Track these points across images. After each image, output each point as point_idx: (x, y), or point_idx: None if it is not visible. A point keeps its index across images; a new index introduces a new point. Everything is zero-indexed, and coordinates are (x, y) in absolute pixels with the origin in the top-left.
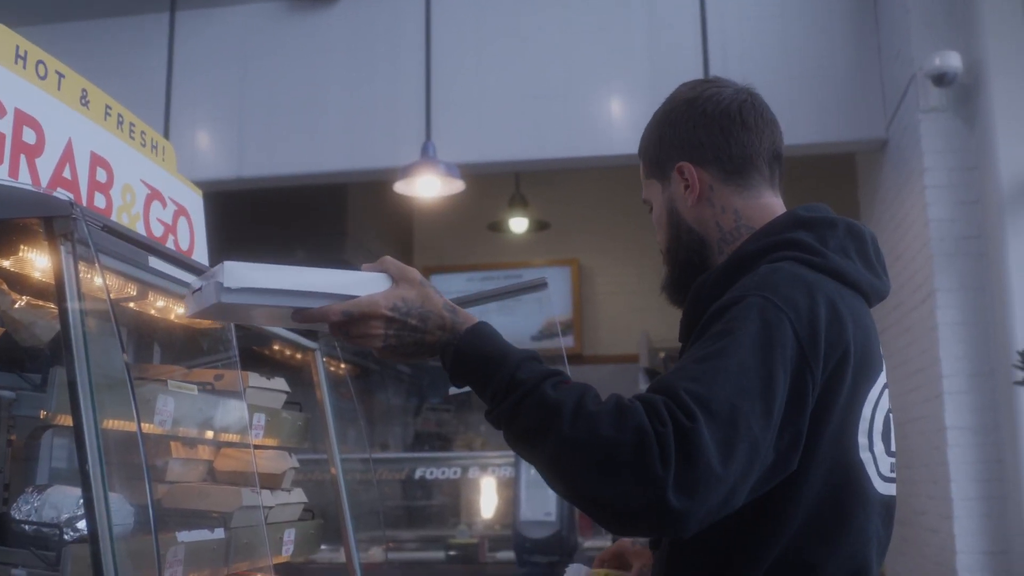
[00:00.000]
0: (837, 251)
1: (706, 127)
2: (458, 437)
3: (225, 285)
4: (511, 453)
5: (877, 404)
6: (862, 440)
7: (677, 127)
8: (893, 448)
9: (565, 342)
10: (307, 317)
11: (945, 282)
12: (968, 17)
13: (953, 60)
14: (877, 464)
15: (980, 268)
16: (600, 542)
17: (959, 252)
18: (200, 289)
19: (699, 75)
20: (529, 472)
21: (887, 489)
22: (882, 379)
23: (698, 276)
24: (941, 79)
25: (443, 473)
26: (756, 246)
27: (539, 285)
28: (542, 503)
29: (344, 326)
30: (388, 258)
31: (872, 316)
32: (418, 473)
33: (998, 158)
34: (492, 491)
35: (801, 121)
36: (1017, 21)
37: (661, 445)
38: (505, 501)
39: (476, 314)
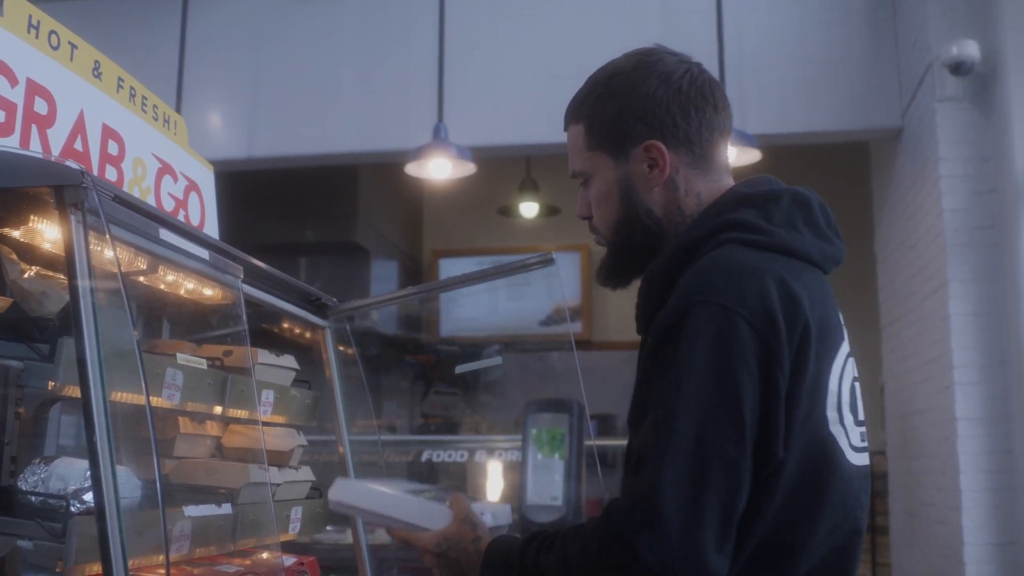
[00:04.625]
0: (783, 224)
1: (681, 106)
2: (465, 421)
3: (330, 498)
4: (518, 437)
5: (842, 375)
6: (831, 415)
7: (648, 102)
8: (862, 417)
9: (574, 328)
10: (392, 536)
11: (958, 272)
12: (987, 6)
13: (971, 49)
14: (848, 436)
15: (994, 259)
16: None
17: (973, 242)
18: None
19: (715, 60)
20: (536, 456)
21: (860, 459)
22: (844, 349)
23: (647, 260)
24: (958, 68)
25: (450, 456)
26: (701, 231)
27: (547, 261)
28: (548, 487)
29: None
30: (458, 496)
31: (828, 283)
32: (425, 456)
33: (1014, 149)
34: (498, 475)
35: (816, 109)
36: None
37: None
38: (511, 485)
39: (485, 291)
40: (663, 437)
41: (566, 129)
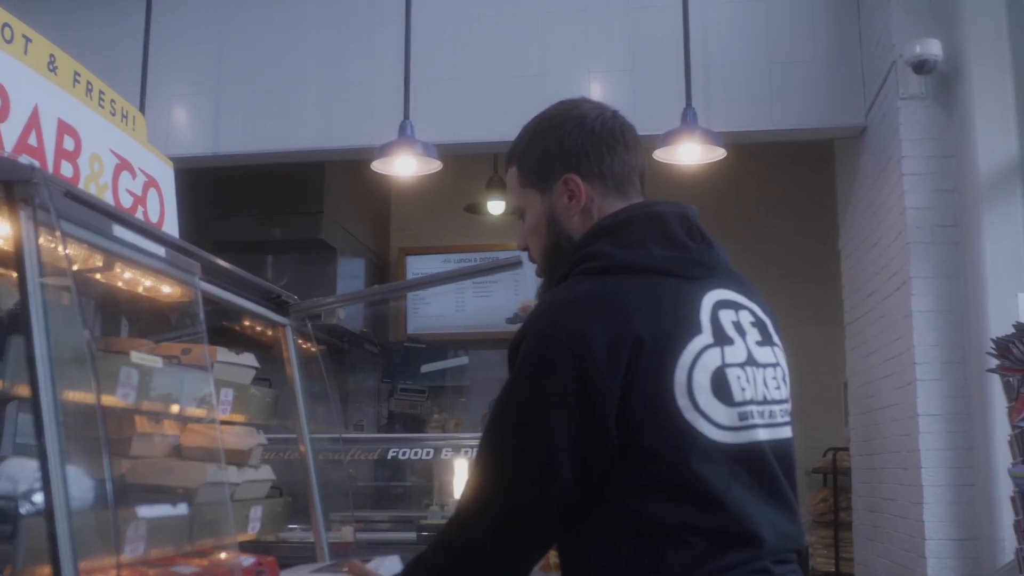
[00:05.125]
0: (631, 245)
1: (593, 144)
2: (432, 419)
3: None
4: None
5: (694, 366)
6: (683, 403)
7: (565, 142)
8: (740, 397)
9: None
10: None
11: (920, 270)
12: (949, 5)
13: (933, 48)
14: (711, 418)
15: (955, 256)
16: None
17: (935, 240)
18: None
19: (680, 58)
20: None
21: (737, 437)
22: (699, 342)
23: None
24: (921, 67)
25: (415, 454)
26: (565, 268)
27: (514, 264)
28: None
29: None
30: (354, 562)
31: (688, 285)
32: (391, 453)
33: (976, 147)
34: (464, 473)
35: (781, 107)
36: (998, 10)
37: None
38: None
39: (452, 289)
40: (484, 447)
41: (507, 170)
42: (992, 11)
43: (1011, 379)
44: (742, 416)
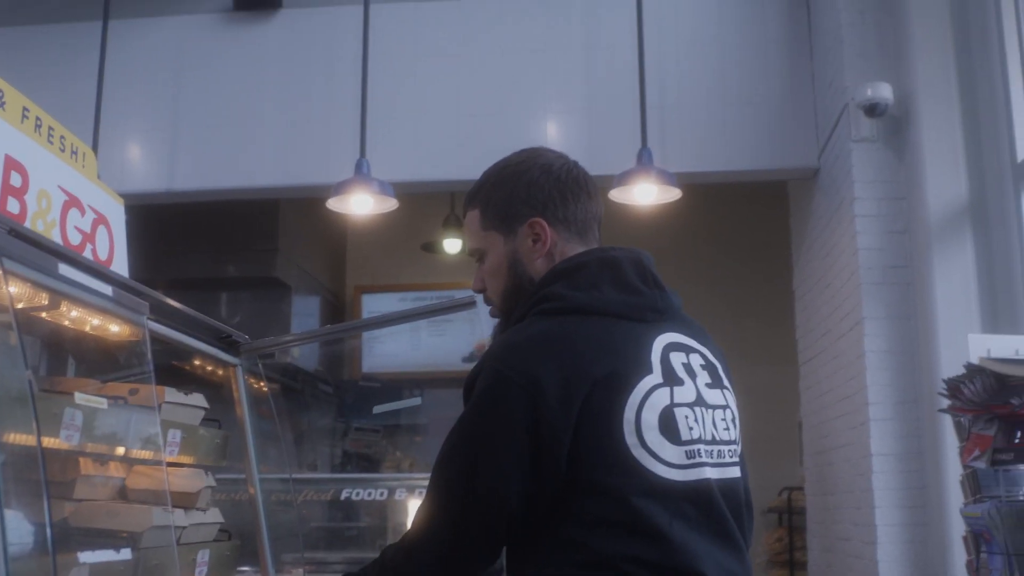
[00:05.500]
0: (586, 288)
1: (559, 191)
2: (387, 458)
3: None
4: None
5: (643, 405)
6: (631, 440)
7: (532, 187)
8: (688, 436)
9: None
10: None
11: (873, 311)
12: (900, 49)
13: (884, 91)
14: (658, 455)
15: (907, 297)
16: None
17: (887, 281)
18: None
19: (636, 98)
20: None
21: (685, 475)
22: (648, 381)
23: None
24: (872, 110)
25: (369, 494)
26: (523, 309)
27: (468, 304)
28: None
29: None
30: None
31: (640, 328)
32: (344, 494)
33: (926, 189)
34: None
35: (735, 148)
36: (947, 54)
37: None
38: None
39: (408, 328)
40: (435, 476)
41: (465, 212)
42: (941, 56)
43: (962, 419)
44: (689, 454)
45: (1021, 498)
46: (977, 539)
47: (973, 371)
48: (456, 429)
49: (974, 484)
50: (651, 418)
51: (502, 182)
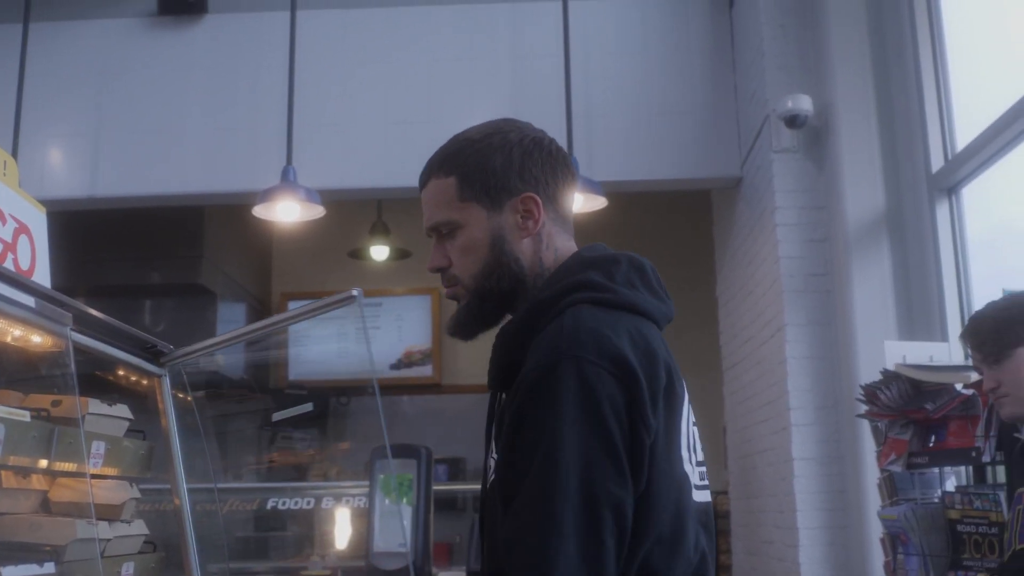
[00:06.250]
0: (625, 284)
1: (551, 167)
2: (314, 466)
3: None
4: (366, 483)
5: (688, 419)
6: (685, 454)
7: (528, 160)
8: (701, 458)
9: (423, 371)
10: None
11: (794, 317)
12: (819, 62)
13: (804, 103)
14: (691, 475)
15: (827, 304)
16: (455, 572)
17: (807, 289)
18: None
19: (562, 107)
20: (383, 502)
21: (701, 496)
22: (686, 395)
23: (508, 308)
24: (793, 121)
25: (296, 503)
26: (552, 291)
27: (346, 299)
28: (395, 534)
29: None
30: None
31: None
32: (270, 503)
33: (845, 199)
34: (346, 521)
35: (660, 157)
36: (865, 68)
37: None
38: (359, 532)
39: (334, 335)
40: (549, 489)
41: (427, 183)
42: (859, 69)
43: (879, 424)
44: (701, 476)
45: (935, 501)
46: (894, 541)
47: (889, 377)
48: (548, 433)
49: (891, 487)
50: (692, 434)
51: (490, 150)
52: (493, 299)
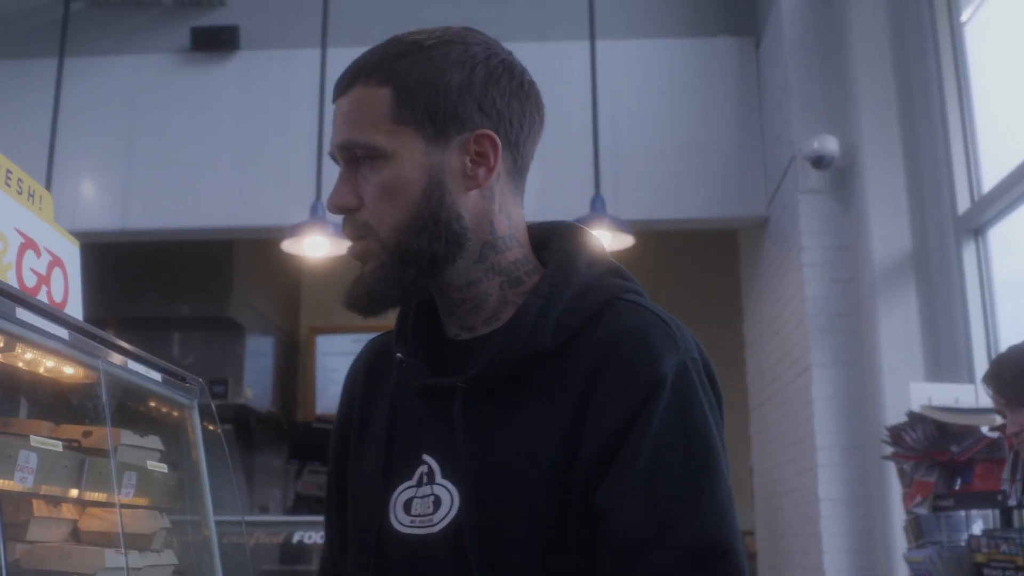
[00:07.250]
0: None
1: (520, 103)
2: None
3: None
4: None
5: None
6: None
7: (490, 86)
8: None
9: None
10: None
11: (820, 357)
12: (845, 103)
13: (830, 144)
14: None
15: (853, 344)
16: None
17: (833, 328)
18: None
19: (590, 146)
20: None
21: None
22: None
23: (435, 278)
24: (819, 162)
25: (322, 537)
26: (596, 272)
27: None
28: None
29: None
30: None
31: None
32: (296, 537)
33: (871, 239)
34: None
35: (687, 196)
36: (891, 109)
37: None
38: None
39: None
40: (704, 480)
41: (349, 88)
42: (885, 109)
43: (905, 466)
44: None
45: (962, 544)
46: None
47: (915, 419)
48: (691, 434)
49: (916, 529)
50: None
51: (445, 61)
52: (418, 266)
